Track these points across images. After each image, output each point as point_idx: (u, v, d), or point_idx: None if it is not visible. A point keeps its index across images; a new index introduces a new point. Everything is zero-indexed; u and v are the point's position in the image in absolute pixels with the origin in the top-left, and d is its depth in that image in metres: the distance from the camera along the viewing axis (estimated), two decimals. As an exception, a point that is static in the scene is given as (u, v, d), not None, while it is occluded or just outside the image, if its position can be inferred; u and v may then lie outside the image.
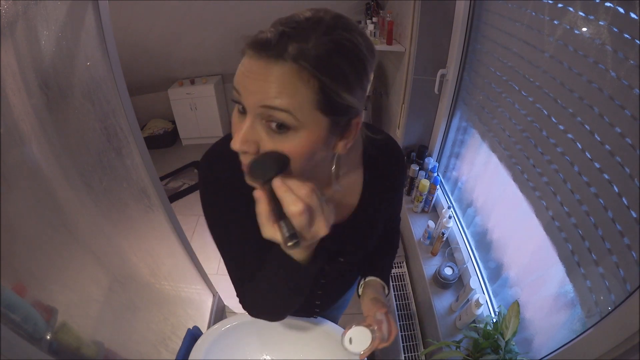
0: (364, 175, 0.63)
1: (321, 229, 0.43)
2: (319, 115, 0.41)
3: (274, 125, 0.40)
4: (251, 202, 0.45)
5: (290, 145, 0.41)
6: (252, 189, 0.44)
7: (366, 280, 0.75)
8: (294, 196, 0.40)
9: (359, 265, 0.81)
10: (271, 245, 0.49)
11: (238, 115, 0.44)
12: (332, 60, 0.39)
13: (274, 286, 0.54)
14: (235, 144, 0.41)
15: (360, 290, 0.76)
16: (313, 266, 0.49)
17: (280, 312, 0.62)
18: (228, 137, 0.51)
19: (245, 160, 0.44)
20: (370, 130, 0.60)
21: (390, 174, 0.66)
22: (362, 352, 0.64)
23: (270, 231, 0.42)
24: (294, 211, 0.40)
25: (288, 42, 0.38)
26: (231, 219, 0.56)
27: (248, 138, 0.41)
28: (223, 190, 0.55)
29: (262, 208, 0.42)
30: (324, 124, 0.42)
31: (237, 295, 0.62)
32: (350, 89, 0.41)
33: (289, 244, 0.41)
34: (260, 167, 0.42)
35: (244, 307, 0.62)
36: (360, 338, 0.65)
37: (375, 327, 0.65)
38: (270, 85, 0.38)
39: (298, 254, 0.47)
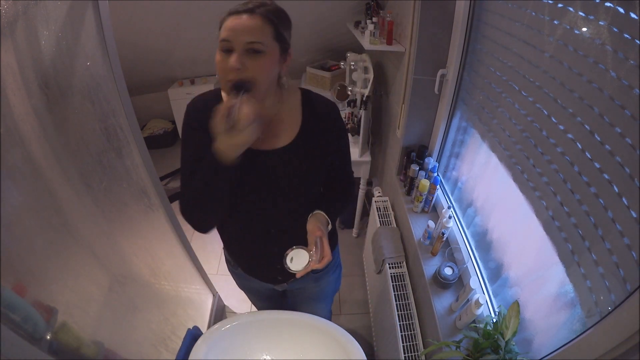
0: (302, 111, 0.82)
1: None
2: (275, 43, 0.70)
3: (253, 50, 0.67)
4: (208, 132, 0.68)
5: (262, 62, 0.68)
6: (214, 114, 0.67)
7: (313, 213, 0.87)
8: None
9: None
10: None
11: (222, 55, 0.68)
12: (279, 14, 0.71)
13: (200, 183, 0.73)
14: (234, 64, 0.66)
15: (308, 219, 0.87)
16: (231, 164, 0.69)
17: (205, 213, 0.79)
18: (214, 90, 0.82)
19: (236, 75, 0.67)
20: (310, 90, 0.86)
21: (326, 117, 0.84)
22: (299, 270, 0.77)
23: (225, 134, 0.65)
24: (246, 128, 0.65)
25: (258, 6, 0.68)
26: (192, 136, 0.79)
27: (241, 60, 0.66)
28: (195, 117, 0.78)
29: (219, 113, 0.65)
30: (277, 49, 0.71)
31: (179, 203, 0.79)
32: (287, 29, 0.73)
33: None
34: (234, 87, 0.67)
35: (181, 211, 0.79)
36: (299, 259, 0.79)
37: (313, 252, 0.78)
38: (252, 29, 0.66)
39: (226, 153, 0.67)
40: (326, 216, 0.87)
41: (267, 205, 0.84)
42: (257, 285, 1.03)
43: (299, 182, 0.83)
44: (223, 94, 0.79)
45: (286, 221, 0.87)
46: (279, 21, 0.69)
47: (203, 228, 0.82)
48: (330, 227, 0.89)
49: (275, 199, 0.83)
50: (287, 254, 0.80)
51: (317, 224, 0.83)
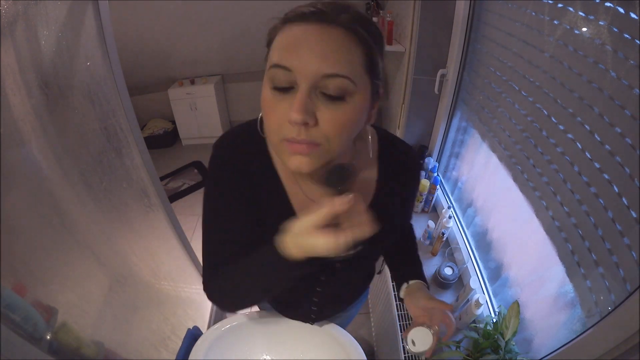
0: (378, 171, 0.60)
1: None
2: (367, 78, 0.44)
3: (332, 93, 0.40)
4: (253, 190, 0.50)
5: (349, 110, 0.42)
6: (258, 176, 0.49)
7: (409, 285, 0.73)
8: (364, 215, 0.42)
9: (366, 271, 0.79)
10: (258, 237, 0.52)
11: (275, 94, 0.42)
12: (372, 27, 0.44)
13: (249, 279, 0.53)
14: (297, 115, 0.39)
15: (402, 294, 0.75)
16: (299, 269, 0.48)
17: (242, 305, 0.60)
18: (248, 123, 0.55)
19: (301, 135, 0.41)
20: (387, 132, 0.63)
21: (407, 175, 0.64)
22: (425, 351, 0.66)
23: (327, 237, 0.41)
24: (365, 224, 0.42)
25: (338, 11, 0.41)
26: (227, 200, 0.55)
27: (308, 108, 0.40)
28: (229, 169, 0.54)
29: (326, 213, 0.40)
30: (369, 86, 0.45)
31: (203, 277, 0.60)
32: (382, 54, 0.46)
33: (350, 251, 0.42)
34: (338, 176, 0.42)
35: (206, 290, 0.60)
36: (421, 338, 0.67)
37: (431, 325, 0.67)
38: (329, 51, 0.39)
39: (296, 253, 0.45)
40: (422, 281, 0.74)
41: (320, 275, 0.68)
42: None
43: (365, 254, 0.65)
44: (271, 141, 0.48)
45: (339, 279, 0.71)
46: (373, 39, 0.43)
47: (234, 310, 0.65)
48: (428, 285, 0.76)
49: (332, 270, 0.67)
50: (406, 337, 0.68)
51: (427, 297, 0.69)
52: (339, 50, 0.40)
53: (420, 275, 0.75)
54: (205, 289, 0.60)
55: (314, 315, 0.79)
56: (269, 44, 0.45)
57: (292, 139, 0.42)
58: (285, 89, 0.41)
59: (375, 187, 0.60)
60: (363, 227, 0.41)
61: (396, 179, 0.62)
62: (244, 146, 0.54)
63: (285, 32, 0.42)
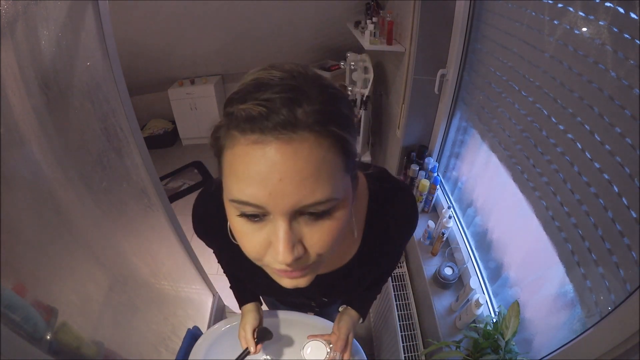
0: (365, 228, 0.55)
1: None
2: (346, 178, 0.36)
3: (315, 213, 0.34)
4: (228, 244, 0.46)
5: (336, 223, 0.36)
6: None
7: (345, 309, 0.81)
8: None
9: None
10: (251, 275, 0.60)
11: (245, 223, 0.36)
12: (341, 105, 0.35)
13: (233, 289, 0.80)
14: (286, 258, 0.34)
15: (340, 308, 0.82)
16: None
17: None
18: (213, 192, 0.52)
19: (292, 267, 0.36)
20: (376, 179, 0.54)
21: (396, 228, 0.57)
22: None
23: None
24: None
25: (296, 104, 0.31)
26: (210, 245, 0.67)
27: (294, 243, 0.34)
28: (204, 230, 0.62)
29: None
30: (350, 183, 0.38)
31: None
32: (354, 133, 0.37)
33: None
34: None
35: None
36: (317, 351, 0.78)
37: (332, 347, 0.76)
38: (305, 177, 0.31)
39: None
40: (358, 314, 0.80)
41: (307, 302, 0.82)
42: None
43: (352, 292, 0.73)
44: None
45: (324, 304, 0.85)
46: (346, 125, 0.34)
47: None
48: (361, 322, 0.81)
49: (322, 301, 0.79)
50: (306, 342, 0.80)
51: (349, 328, 0.77)
52: (316, 172, 0.31)
53: (360, 307, 0.80)
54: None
55: (316, 308, 0.90)
56: (217, 153, 0.36)
57: (281, 269, 0.37)
58: (256, 219, 0.35)
59: (357, 250, 0.56)
60: None
61: (383, 243, 0.57)
62: (215, 211, 0.49)
63: (237, 151, 0.32)
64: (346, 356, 0.76)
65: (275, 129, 0.30)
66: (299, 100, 0.31)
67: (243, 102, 0.32)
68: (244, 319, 0.77)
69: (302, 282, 0.40)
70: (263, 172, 0.31)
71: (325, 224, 0.35)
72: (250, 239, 0.36)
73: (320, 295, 0.71)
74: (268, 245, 0.36)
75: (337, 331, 0.76)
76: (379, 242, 0.57)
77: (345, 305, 0.81)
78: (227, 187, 0.35)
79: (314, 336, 0.78)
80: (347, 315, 0.78)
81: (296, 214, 0.34)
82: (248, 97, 0.32)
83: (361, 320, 0.81)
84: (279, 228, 0.34)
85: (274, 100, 0.31)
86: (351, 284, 0.63)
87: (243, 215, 0.35)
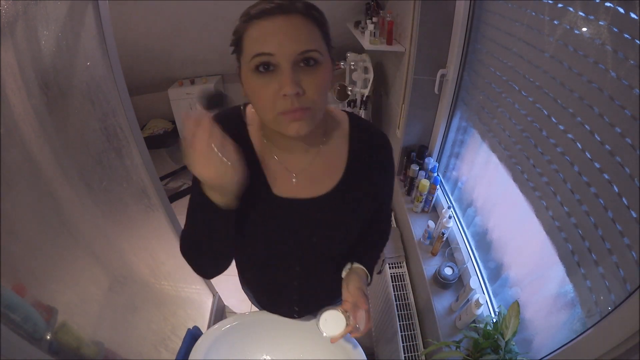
0: (349, 148, 0.64)
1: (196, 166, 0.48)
2: (326, 48, 0.53)
3: (310, 62, 0.49)
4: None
5: (321, 73, 0.51)
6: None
7: (353, 266, 0.74)
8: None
9: (342, 258, 0.77)
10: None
11: (260, 79, 0.49)
12: (319, 11, 0.53)
13: (195, 228, 0.62)
14: (290, 88, 0.47)
15: (343, 274, 0.74)
16: (227, 210, 0.54)
17: (200, 257, 0.65)
18: (233, 108, 0.63)
19: (295, 104, 0.49)
20: (359, 117, 0.69)
21: (378, 156, 0.66)
22: (334, 336, 0.66)
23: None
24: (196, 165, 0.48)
25: (293, 2, 0.49)
26: None
27: (295, 80, 0.48)
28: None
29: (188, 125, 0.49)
30: (329, 54, 0.54)
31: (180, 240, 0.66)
32: (328, 29, 0.54)
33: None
34: (212, 100, 0.53)
35: (181, 249, 0.67)
36: (335, 322, 0.66)
37: (350, 315, 0.66)
38: (299, 34, 0.48)
39: (215, 197, 0.53)
40: (366, 270, 0.74)
41: (295, 256, 0.69)
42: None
43: (338, 234, 0.68)
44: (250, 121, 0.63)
45: (315, 267, 0.73)
46: (322, 19, 0.53)
47: (203, 273, 0.70)
48: (370, 280, 0.76)
49: (307, 250, 0.68)
50: (320, 314, 0.68)
51: (358, 285, 0.69)
52: (305, 32, 0.49)
53: (366, 262, 0.75)
54: (180, 250, 0.67)
55: (296, 308, 0.81)
56: (237, 42, 0.52)
57: (287, 109, 0.49)
58: (269, 72, 0.49)
59: (345, 165, 0.64)
60: (197, 167, 0.47)
61: (367, 161, 0.65)
62: (228, 123, 0.55)
63: (254, 28, 0.48)
64: (368, 324, 0.68)
65: (282, 12, 0.48)
66: (302, 3, 0.50)
67: (266, 2, 0.48)
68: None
69: (303, 125, 0.51)
70: (273, 32, 0.47)
71: (315, 72, 0.50)
72: (264, 89, 0.49)
73: (318, 231, 0.65)
74: (275, 93, 0.49)
75: (349, 296, 0.68)
76: (363, 168, 0.65)
77: (349, 265, 0.75)
78: (248, 51, 0.49)
79: (326, 308, 0.68)
80: (354, 274, 0.72)
81: (295, 63, 0.48)
82: (260, 3, 0.49)
83: (369, 278, 0.75)
84: (285, 70, 0.48)
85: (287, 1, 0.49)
86: (346, 211, 0.65)
87: (258, 69, 0.49)
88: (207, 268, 0.68)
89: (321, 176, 0.63)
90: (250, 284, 0.87)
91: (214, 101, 0.52)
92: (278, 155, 0.63)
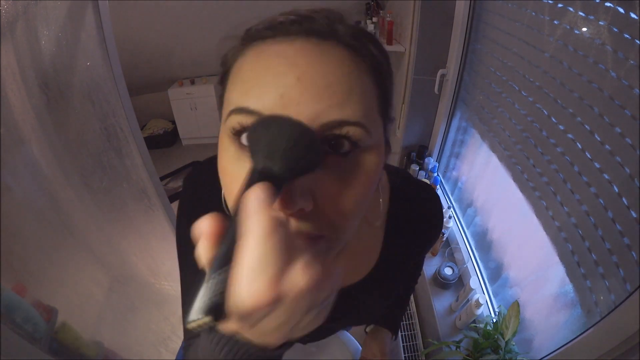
0: (386, 226, 0.45)
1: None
2: (381, 122, 0.28)
3: (343, 147, 0.24)
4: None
5: (362, 176, 0.26)
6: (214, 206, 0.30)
7: (376, 328, 0.69)
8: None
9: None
10: None
11: (239, 157, 0.25)
12: (380, 45, 0.27)
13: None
14: (286, 203, 0.22)
15: (367, 329, 0.72)
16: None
17: None
18: (206, 164, 0.43)
19: (301, 227, 0.25)
20: (396, 176, 0.46)
21: (421, 227, 0.48)
22: None
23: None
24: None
25: (333, 20, 0.26)
26: (184, 229, 0.46)
27: (302, 186, 0.23)
28: (189, 203, 0.47)
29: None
30: (383, 135, 0.28)
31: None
32: (392, 85, 0.30)
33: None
34: None
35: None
36: None
37: None
38: (331, 83, 0.23)
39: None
40: (391, 332, 0.68)
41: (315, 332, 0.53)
42: None
43: (366, 317, 0.58)
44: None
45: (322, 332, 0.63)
46: (386, 64, 0.29)
47: None
48: (395, 338, 0.69)
49: (325, 331, 0.60)
50: None
51: (382, 348, 0.64)
52: (346, 82, 0.24)
53: (393, 322, 0.70)
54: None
55: (307, 338, 0.71)
56: (223, 79, 0.29)
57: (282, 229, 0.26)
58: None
59: (379, 255, 0.46)
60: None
61: (408, 237, 0.47)
62: (206, 184, 0.43)
63: (251, 54, 0.26)
64: None
65: (306, 33, 0.24)
66: (340, 17, 0.26)
67: (268, 18, 0.26)
68: None
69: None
70: (277, 69, 0.23)
71: (349, 170, 0.25)
72: (239, 176, 0.24)
73: (335, 318, 0.44)
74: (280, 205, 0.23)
75: (369, 355, 0.64)
76: (404, 244, 0.47)
77: (372, 326, 0.69)
78: (227, 101, 0.26)
79: None
80: (380, 334, 0.66)
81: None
82: (274, 16, 0.26)
83: (394, 338, 0.68)
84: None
85: (311, 11, 0.26)
86: (376, 298, 0.50)
87: (236, 134, 0.25)
88: None
89: (351, 266, 0.46)
90: None
91: None
92: None
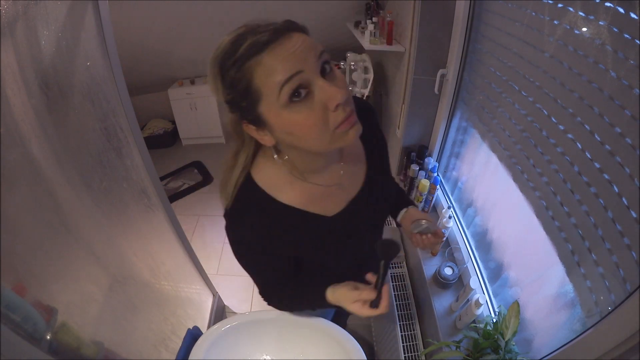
0: (362, 139, 0.68)
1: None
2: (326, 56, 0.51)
3: (327, 66, 0.49)
4: (277, 231, 0.60)
5: (338, 71, 0.51)
6: (274, 219, 0.59)
7: (408, 209, 0.83)
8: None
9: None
10: (297, 255, 0.68)
11: (297, 106, 0.47)
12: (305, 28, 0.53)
13: (300, 300, 0.75)
14: (343, 93, 0.47)
15: (399, 218, 0.85)
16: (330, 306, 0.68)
17: (290, 309, 0.83)
18: (245, 193, 0.59)
19: (347, 109, 0.49)
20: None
21: (370, 119, 0.69)
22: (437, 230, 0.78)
23: (357, 308, 0.67)
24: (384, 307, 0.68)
25: (286, 24, 0.48)
26: (257, 248, 0.63)
27: (341, 85, 0.49)
28: (250, 233, 0.60)
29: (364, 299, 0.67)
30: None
31: (259, 288, 0.76)
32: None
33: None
34: (389, 250, 0.56)
35: (263, 297, 0.77)
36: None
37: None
38: (308, 43, 0.47)
39: (333, 302, 0.67)
40: (414, 205, 0.85)
41: (366, 239, 0.74)
42: None
43: (390, 201, 0.79)
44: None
45: (378, 235, 0.82)
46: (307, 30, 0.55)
47: (290, 310, 0.85)
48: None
49: (372, 230, 0.78)
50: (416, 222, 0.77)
51: (419, 213, 0.81)
52: (309, 40, 0.48)
53: (411, 202, 0.87)
54: (262, 296, 0.77)
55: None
56: (245, 92, 0.48)
57: (343, 119, 0.49)
58: (304, 98, 0.47)
59: (365, 156, 0.69)
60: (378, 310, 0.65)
61: (374, 141, 0.71)
62: (251, 209, 0.59)
63: (264, 59, 0.45)
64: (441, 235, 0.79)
65: (282, 34, 0.46)
66: (287, 21, 0.48)
67: (254, 35, 0.46)
68: (340, 289, 0.67)
69: (358, 126, 0.51)
70: (290, 50, 0.45)
71: (335, 73, 0.50)
72: (310, 115, 0.47)
73: (372, 213, 0.72)
74: (324, 113, 0.47)
75: (421, 216, 0.79)
76: (374, 148, 0.70)
77: (404, 210, 0.83)
78: (270, 87, 0.46)
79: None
80: (412, 209, 0.82)
81: (321, 73, 0.47)
82: (252, 32, 0.46)
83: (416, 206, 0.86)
84: (320, 83, 0.47)
85: (274, 24, 0.47)
86: (386, 190, 0.75)
87: (292, 99, 0.46)
88: (288, 310, 0.84)
89: (356, 168, 0.68)
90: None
91: (391, 251, 0.56)
92: (315, 179, 0.62)
